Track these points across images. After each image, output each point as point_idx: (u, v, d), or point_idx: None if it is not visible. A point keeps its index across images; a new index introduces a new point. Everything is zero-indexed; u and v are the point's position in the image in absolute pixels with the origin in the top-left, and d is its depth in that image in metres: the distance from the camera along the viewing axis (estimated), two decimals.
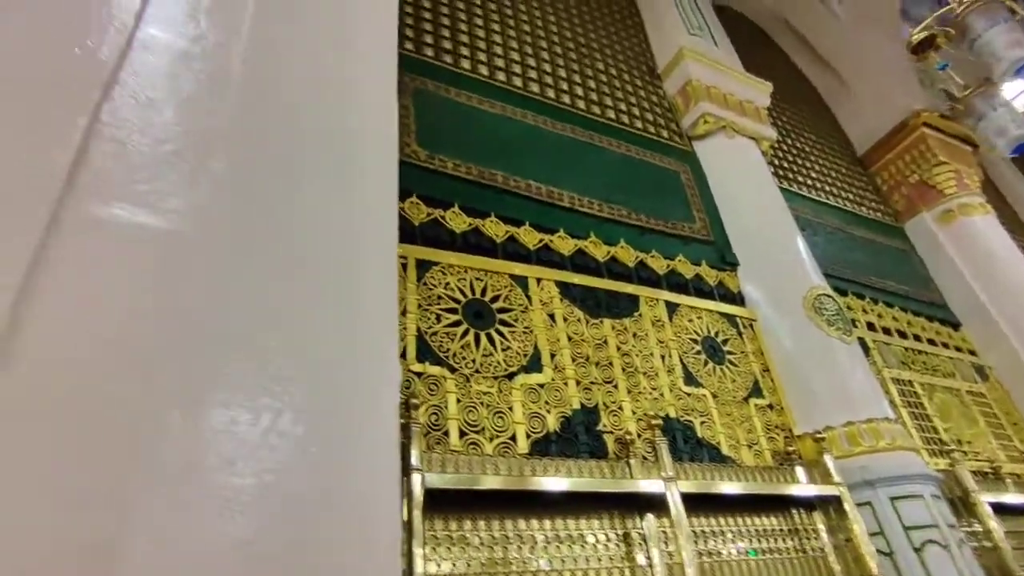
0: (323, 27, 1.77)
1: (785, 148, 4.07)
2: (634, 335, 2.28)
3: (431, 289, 1.92)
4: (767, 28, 5.30)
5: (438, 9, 2.85)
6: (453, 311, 1.92)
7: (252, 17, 1.68)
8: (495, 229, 2.23)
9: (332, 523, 1.03)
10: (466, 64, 2.69)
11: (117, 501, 0.85)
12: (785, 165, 3.94)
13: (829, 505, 2.05)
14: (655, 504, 1.79)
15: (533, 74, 2.91)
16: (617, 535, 1.75)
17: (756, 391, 2.43)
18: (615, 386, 2.08)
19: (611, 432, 1.96)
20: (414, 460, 1.42)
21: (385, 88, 1.76)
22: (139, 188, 1.22)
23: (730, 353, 2.50)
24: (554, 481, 1.62)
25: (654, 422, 1.90)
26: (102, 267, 1.06)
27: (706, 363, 2.39)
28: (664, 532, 1.78)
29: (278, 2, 1.76)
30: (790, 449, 2.24)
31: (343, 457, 1.08)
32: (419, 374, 1.73)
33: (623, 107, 3.20)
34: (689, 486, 1.79)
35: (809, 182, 3.99)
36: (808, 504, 2.08)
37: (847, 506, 1.98)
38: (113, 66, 1.35)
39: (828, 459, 2.08)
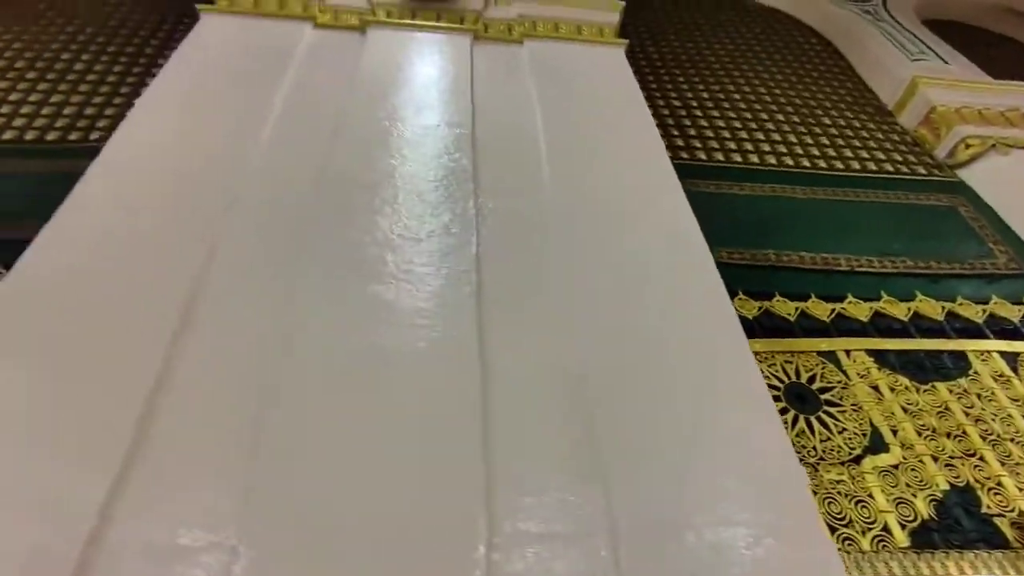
0: (611, 156, 2.02)
1: None
2: (977, 396, 2.00)
3: None
4: (989, 26, 4.72)
5: (658, 111, 3.05)
6: (776, 399, 1.88)
7: (549, 174, 1.95)
8: (784, 308, 2.18)
9: None
10: (702, 155, 2.80)
11: None
12: None
13: None
14: None
15: (766, 147, 2.92)
16: None
17: None
18: (981, 458, 1.82)
19: (1001, 515, 1.69)
20: None
21: (676, 197, 1.92)
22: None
23: None
24: None
25: None
26: None
27: None
28: None
29: (565, 150, 2.04)
30: None
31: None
32: None
33: (864, 154, 3.03)
34: None
35: None
36: None
37: None
38: None
39: None
